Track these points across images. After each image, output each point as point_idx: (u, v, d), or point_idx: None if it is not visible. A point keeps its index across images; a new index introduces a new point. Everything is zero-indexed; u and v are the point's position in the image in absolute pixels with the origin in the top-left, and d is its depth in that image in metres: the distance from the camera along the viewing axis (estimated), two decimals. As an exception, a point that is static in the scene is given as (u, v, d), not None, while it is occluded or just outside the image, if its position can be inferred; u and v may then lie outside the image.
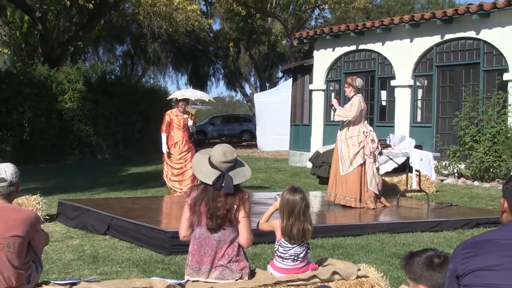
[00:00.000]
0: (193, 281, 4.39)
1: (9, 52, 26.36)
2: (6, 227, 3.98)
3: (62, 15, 26.12)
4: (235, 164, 4.42)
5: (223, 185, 4.28)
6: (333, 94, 17.80)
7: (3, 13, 24.86)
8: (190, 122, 11.26)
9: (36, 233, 4.16)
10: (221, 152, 4.38)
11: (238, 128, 37.63)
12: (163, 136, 11.15)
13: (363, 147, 9.29)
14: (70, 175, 16.19)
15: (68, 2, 21.81)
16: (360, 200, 9.31)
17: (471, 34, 14.10)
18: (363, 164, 9.31)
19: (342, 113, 9.35)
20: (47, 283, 4.39)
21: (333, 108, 9.69)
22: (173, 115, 11.21)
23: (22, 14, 25.37)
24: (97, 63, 27.54)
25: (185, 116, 11.23)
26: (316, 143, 17.31)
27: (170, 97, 12.10)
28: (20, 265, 4.03)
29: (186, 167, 11.04)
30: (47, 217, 8.70)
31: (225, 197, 4.30)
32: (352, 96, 9.39)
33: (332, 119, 9.82)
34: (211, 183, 4.30)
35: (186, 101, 11.32)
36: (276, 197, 4.83)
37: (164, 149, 11.12)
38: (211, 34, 38.85)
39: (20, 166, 3.85)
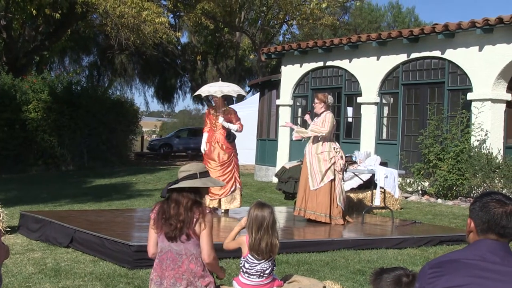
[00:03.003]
0: (157, 296, 4.33)
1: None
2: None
3: (27, 24, 25.82)
4: (198, 174, 4.36)
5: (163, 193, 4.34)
6: (299, 110, 17.89)
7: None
8: (220, 119, 10.28)
9: (-3, 245, 4.05)
10: (186, 167, 4.41)
11: (204, 141, 37.47)
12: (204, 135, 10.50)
13: (334, 163, 9.34)
14: (33, 187, 15.93)
15: (34, 11, 21.56)
16: (330, 216, 9.33)
17: (437, 53, 14.31)
18: (333, 180, 9.35)
19: (316, 128, 9.36)
20: (7, 297, 4.28)
21: (292, 128, 9.93)
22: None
23: (-14, 21, 25.02)
24: (63, 74, 27.22)
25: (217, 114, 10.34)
26: (282, 158, 17.34)
27: (198, 93, 10.77)
28: (-21, 279, 3.92)
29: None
30: (8, 229, 8.54)
31: (184, 210, 4.24)
32: (321, 113, 9.42)
33: (293, 138, 9.89)
34: (164, 194, 4.34)
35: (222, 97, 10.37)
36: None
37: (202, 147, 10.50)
38: (179, 47, 38.79)
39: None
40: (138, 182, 17.82)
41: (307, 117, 9.59)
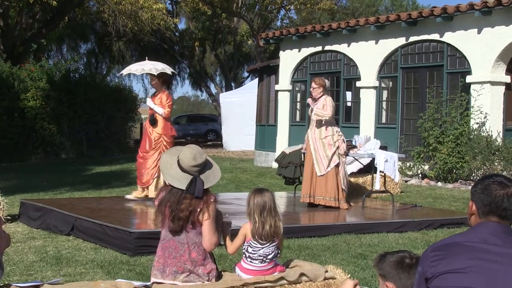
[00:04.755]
0: (159, 283, 4.34)
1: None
2: (-34, 229, 3.87)
3: (24, 12, 25.68)
4: (205, 166, 4.39)
5: (194, 190, 4.24)
6: (298, 95, 17.86)
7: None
8: (150, 103, 9.61)
9: (-2, 234, 4.05)
10: (191, 155, 4.33)
11: (203, 127, 37.52)
12: None
13: (338, 147, 9.33)
14: (33, 175, 15.92)
15: (31, -2, 21.45)
16: (338, 200, 9.34)
17: (435, 36, 14.26)
18: (337, 164, 9.35)
19: (320, 112, 9.31)
20: (8, 286, 4.28)
21: (308, 106, 9.62)
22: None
23: (-17, 10, 24.90)
24: (61, 61, 27.17)
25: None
26: (282, 144, 17.33)
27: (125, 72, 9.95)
28: (-20, 268, 3.92)
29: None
30: (9, 218, 8.53)
31: (190, 199, 4.26)
32: (319, 97, 9.39)
33: (310, 115, 9.68)
34: (184, 188, 4.26)
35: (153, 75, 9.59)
36: (227, 215, 4.87)
37: None
38: (177, 34, 38.67)
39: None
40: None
41: (309, 100, 9.48)
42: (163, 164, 4.44)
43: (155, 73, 9.53)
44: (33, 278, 5.49)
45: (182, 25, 40.35)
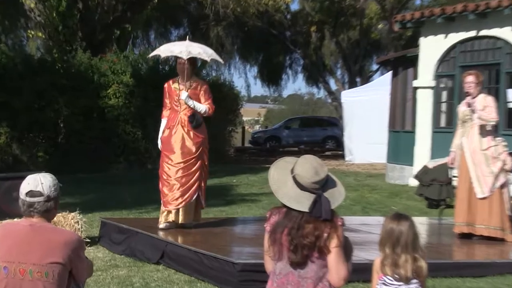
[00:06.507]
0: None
1: (43, 36, 27.02)
2: (44, 252, 4.00)
3: (107, -8, 26.65)
4: (327, 181, 4.34)
5: (321, 211, 4.19)
6: (444, 93, 17.50)
7: (36, -11, 25.57)
8: (183, 95, 9.15)
9: (79, 260, 4.17)
10: (311, 169, 4.28)
11: (320, 133, 37.55)
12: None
13: (503, 161, 9.00)
14: (114, 188, 16.41)
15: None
16: (503, 230, 9.03)
17: None
18: (504, 184, 9.04)
19: (485, 116, 9.02)
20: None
21: (468, 106, 9.19)
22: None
23: (59, -10, 25.99)
24: (148, 51, 27.89)
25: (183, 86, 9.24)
26: (422, 155, 17.01)
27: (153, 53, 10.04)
28: (60, 300, 4.05)
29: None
30: (88, 240, 8.82)
31: (314, 222, 4.21)
32: (476, 96, 9.11)
33: (463, 119, 9.31)
34: (306, 210, 4.22)
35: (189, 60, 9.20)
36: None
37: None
38: (288, 16, 38.96)
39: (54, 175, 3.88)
40: (239, 184, 18.01)
41: (469, 99, 9.08)
42: (275, 183, 4.41)
43: (207, 59, 9.46)
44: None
45: (295, 6, 40.84)
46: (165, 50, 9.68)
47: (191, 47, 9.32)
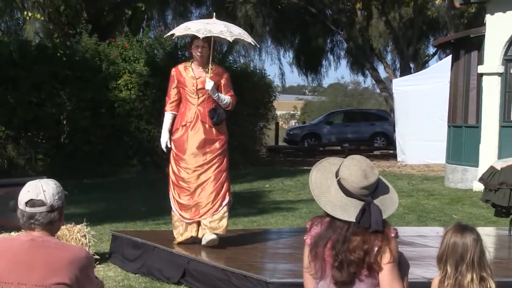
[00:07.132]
0: None
1: (42, 18, 27.20)
2: (47, 271, 4.01)
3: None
4: (377, 186, 4.33)
5: (370, 221, 4.19)
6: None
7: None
8: (209, 84, 8.76)
9: (88, 280, 4.19)
10: (359, 172, 4.27)
11: (367, 129, 37.46)
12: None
13: None
14: (126, 196, 16.48)
15: None
16: None
17: None
18: None
19: None
20: None
21: None
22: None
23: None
24: (165, 34, 27.90)
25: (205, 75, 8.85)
26: (489, 154, 16.93)
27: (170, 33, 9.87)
28: (66, 326, 4.08)
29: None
30: (97, 257, 8.85)
31: (362, 234, 4.21)
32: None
33: None
34: (354, 220, 4.22)
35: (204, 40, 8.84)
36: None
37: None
38: (330, -9, 38.87)
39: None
40: (273, 190, 18.01)
41: None
42: (316, 187, 4.40)
43: (229, 39, 8.85)
44: None
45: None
46: (180, 28, 9.33)
47: (213, 24, 8.90)
